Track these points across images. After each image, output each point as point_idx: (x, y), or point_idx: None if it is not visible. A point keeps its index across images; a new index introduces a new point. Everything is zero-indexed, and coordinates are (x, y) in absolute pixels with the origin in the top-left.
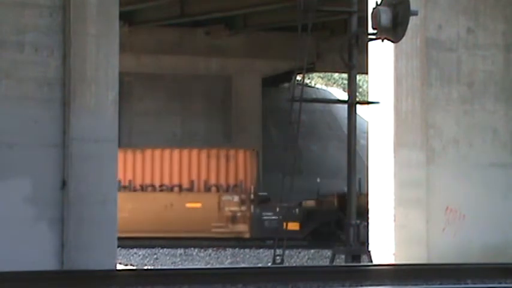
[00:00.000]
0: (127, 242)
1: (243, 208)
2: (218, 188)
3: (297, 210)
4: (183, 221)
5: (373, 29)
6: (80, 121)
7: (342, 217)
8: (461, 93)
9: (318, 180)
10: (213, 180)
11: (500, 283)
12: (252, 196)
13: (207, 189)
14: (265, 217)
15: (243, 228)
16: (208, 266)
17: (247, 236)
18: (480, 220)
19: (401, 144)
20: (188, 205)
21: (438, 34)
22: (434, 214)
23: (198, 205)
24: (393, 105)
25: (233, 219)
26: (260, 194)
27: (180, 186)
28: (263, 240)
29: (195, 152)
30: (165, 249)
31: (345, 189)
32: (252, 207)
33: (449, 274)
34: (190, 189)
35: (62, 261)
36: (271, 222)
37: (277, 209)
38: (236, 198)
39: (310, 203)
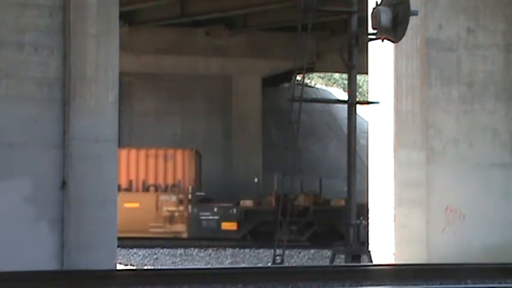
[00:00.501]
0: (127, 242)
1: (181, 208)
2: (156, 187)
3: (234, 210)
4: (120, 221)
5: (373, 29)
6: (80, 121)
7: (280, 217)
8: (461, 93)
9: (256, 180)
10: (151, 180)
11: (500, 283)
12: (189, 196)
13: (145, 189)
14: (202, 217)
15: (180, 228)
16: (208, 266)
17: (185, 235)
18: (480, 220)
19: (401, 144)
20: (126, 205)
21: (438, 34)
22: (434, 214)
23: (136, 205)
24: (393, 105)
25: (171, 219)
26: (198, 193)
27: (118, 186)
28: (200, 240)
29: (133, 151)
30: (165, 249)
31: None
32: (189, 207)
33: (449, 274)
34: (129, 189)
35: (62, 261)
36: (209, 222)
37: (215, 209)
38: (174, 198)
39: (248, 203)
